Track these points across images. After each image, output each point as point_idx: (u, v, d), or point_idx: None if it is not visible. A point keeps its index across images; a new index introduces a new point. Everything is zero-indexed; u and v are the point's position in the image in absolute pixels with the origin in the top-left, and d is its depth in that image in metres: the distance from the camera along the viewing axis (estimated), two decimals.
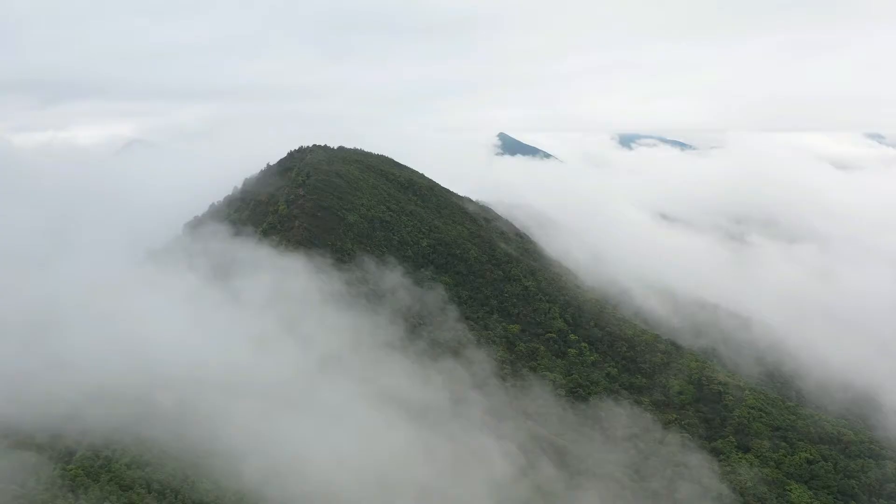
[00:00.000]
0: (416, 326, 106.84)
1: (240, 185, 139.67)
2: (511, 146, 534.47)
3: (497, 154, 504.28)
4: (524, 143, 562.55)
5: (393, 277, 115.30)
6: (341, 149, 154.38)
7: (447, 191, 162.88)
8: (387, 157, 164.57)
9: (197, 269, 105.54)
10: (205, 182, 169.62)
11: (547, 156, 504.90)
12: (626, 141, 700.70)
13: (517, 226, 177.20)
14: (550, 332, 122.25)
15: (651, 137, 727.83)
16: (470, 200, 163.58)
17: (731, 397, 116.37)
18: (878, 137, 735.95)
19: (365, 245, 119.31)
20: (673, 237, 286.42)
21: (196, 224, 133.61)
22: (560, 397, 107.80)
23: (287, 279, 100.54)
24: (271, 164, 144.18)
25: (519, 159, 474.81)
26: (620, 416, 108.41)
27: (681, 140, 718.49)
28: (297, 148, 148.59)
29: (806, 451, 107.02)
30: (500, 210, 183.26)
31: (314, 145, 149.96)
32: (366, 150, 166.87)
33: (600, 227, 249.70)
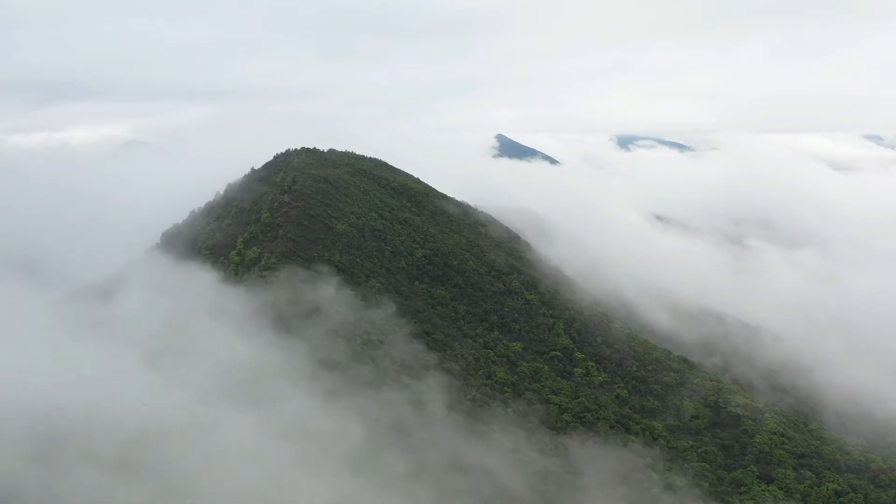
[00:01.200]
0: (367, 346, 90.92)
1: (222, 191, 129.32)
2: (509, 147, 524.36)
3: (495, 156, 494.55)
4: (522, 144, 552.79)
5: (352, 290, 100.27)
6: (332, 151, 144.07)
7: (444, 196, 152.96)
8: (380, 161, 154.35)
9: (110, 291, 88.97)
10: (201, 184, 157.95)
11: (545, 157, 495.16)
12: (625, 142, 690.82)
13: (516, 231, 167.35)
14: (555, 350, 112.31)
15: (649, 139, 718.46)
16: (468, 206, 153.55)
17: (750, 421, 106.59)
18: (876, 139, 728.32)
19: (355, 256, 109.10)
20: (674, 242, 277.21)
21: (174, 233, 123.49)
22: (566, 423, 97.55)
23: (221, 299, 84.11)
24: (256, 168, 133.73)
25: (517, 161, 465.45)
26: (630, 444, 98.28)
27: (679, 141, 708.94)
28: (283, 151, 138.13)
29: (833, 482, 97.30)
30: (498, 214, 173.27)
31: (302, 148, 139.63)
32: (362, 152, 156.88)
33: (600, 231, 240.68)
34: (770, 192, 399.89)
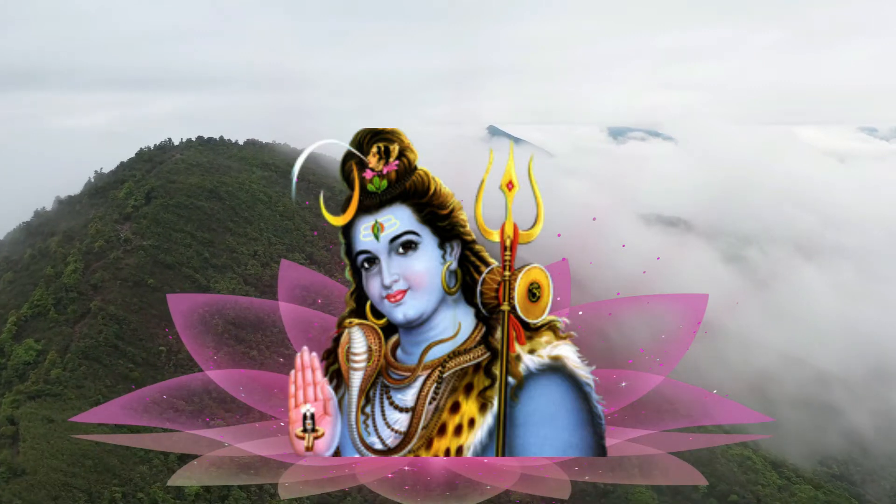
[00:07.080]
0: None
1: (47, 209, 74.13)
2: (501, 139, 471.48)
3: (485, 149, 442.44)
4: (515, 136, 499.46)
5: None
6: (250, 143, 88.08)
7: None
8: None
9: None
10: None
11: (539, 150, 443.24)
12: (616, 133, 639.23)
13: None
14: None
15: (640, 130, 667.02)
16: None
17: None
18: (870, 130, 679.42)
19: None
20: (679, 247, 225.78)
21: None
22: None
23: None
24: (103, 171, 78.10)
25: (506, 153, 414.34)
26: None
27: (673, 133, 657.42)
28: (157, 143, 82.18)
29: None
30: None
31: (199, 138, 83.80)
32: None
33: (603, 235, 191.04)
34: (771, 188, 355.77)
